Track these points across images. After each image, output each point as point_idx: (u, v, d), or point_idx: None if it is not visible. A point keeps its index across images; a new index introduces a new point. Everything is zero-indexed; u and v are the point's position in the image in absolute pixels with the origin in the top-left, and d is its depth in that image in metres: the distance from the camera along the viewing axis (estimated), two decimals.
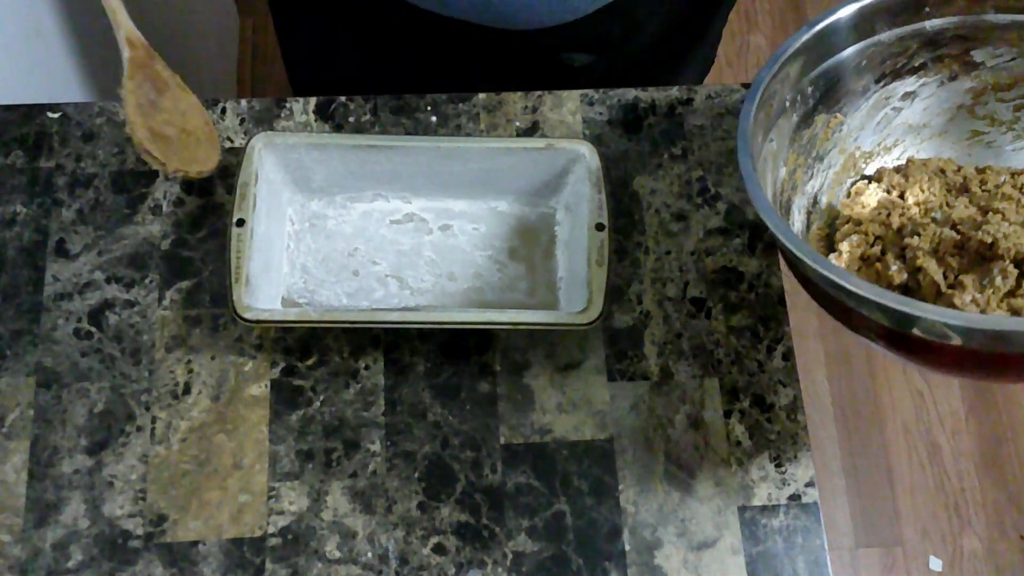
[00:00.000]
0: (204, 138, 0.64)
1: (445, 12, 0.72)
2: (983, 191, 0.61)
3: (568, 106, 0.72)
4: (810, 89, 0.59)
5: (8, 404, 0.63)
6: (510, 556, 0.61)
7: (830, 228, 0.63)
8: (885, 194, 0.62)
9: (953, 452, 1.50)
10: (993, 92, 0.63)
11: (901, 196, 0.62)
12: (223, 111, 0.71)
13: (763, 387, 0.66)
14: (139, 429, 0.63)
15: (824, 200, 0.63)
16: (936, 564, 1.44)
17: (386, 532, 0.62)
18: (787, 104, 0.59)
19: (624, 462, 0.64)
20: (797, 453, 0.64)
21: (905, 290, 0.56)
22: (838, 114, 0.62)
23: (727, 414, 0.65)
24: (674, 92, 0.74)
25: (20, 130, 0.70)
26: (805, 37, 0.57)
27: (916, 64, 0.61)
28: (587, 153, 0.65)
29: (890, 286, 0.56)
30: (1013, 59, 0.61)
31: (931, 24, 0.59)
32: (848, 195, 0.64)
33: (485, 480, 0.63)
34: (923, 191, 0.61)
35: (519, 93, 0.73)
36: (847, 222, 0.61)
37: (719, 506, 0.63)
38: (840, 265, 0.58)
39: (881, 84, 0.62)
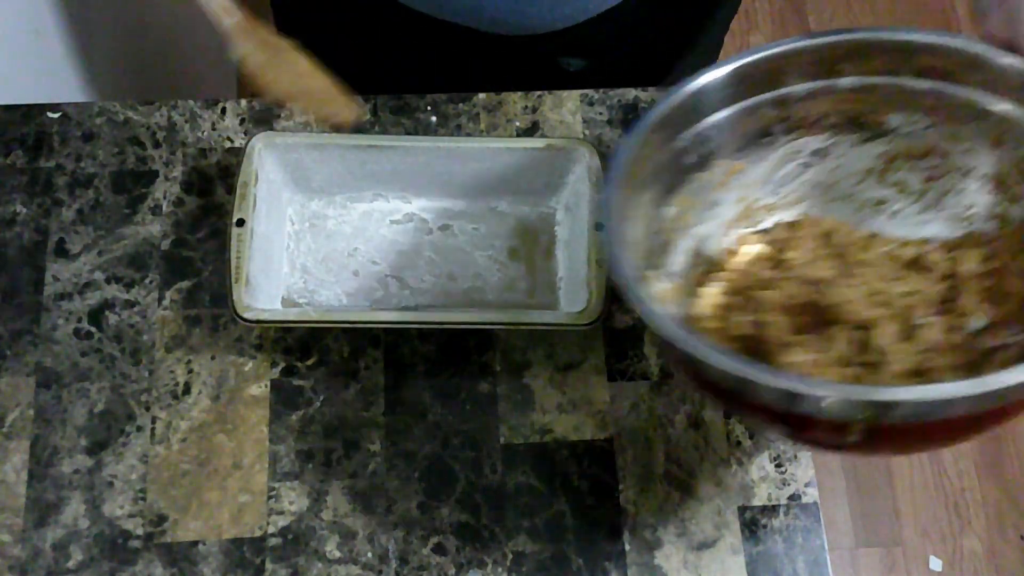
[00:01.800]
0: (333, 94, 0.62)
1: (439, 15, 0.72)
2: (859, 257, 0.58)
3: (568, 106, 0.72)
4: (712, 132, 0.57)
5: (8, 404, 0.63)
6: (510, 556, 0.61)
7: (708, 275, 0.60)
8: (766, 247, 0.60)
9: (953, 452, 1.50)
10: (905, 160, 0.60)
11: (781, 252, 0.59)
12: (223, 111, 0.71)
13: None
14: (139, 429, 0.63)
15: (711, 246, 0.60)
16: (936, 564, 1.44)
17: (386, 532, 0.62)
18: (683, 146, 0.56)
19: (624, 462, 0.64)
20: (797, 453, 0.64)
21: (751, 345, 0.54)
22: (741, 161, 0.59)
23: (727, 414, 0.65)
24: None
25: (20, 130, 0.70)
26: (719, 74, 0.55)
27: (828, 122, 0.59)
28: (587, 153, 0.65)
29: (734, 338, 0.54)
30: (928, 127, 0.58)
31: (845, 82, 0.57)
32: (733, 244, 0.61)
33: (485, 480, 0.63)
34: (802, 250, 0.58)
35: (519, 93, 0.73)
36: (720, 270, 0.59)
37: (719, 506, 0.63)
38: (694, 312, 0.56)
39: (790, 137, 0.59)
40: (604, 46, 0.78)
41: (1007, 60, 0.53)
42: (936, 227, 0.60)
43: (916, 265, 0.56)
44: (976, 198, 0.58)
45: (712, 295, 0.57)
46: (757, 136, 0.58)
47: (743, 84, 0.56)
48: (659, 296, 0.55)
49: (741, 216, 0.60)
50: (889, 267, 0.56)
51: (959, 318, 0.52)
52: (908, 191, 0.60)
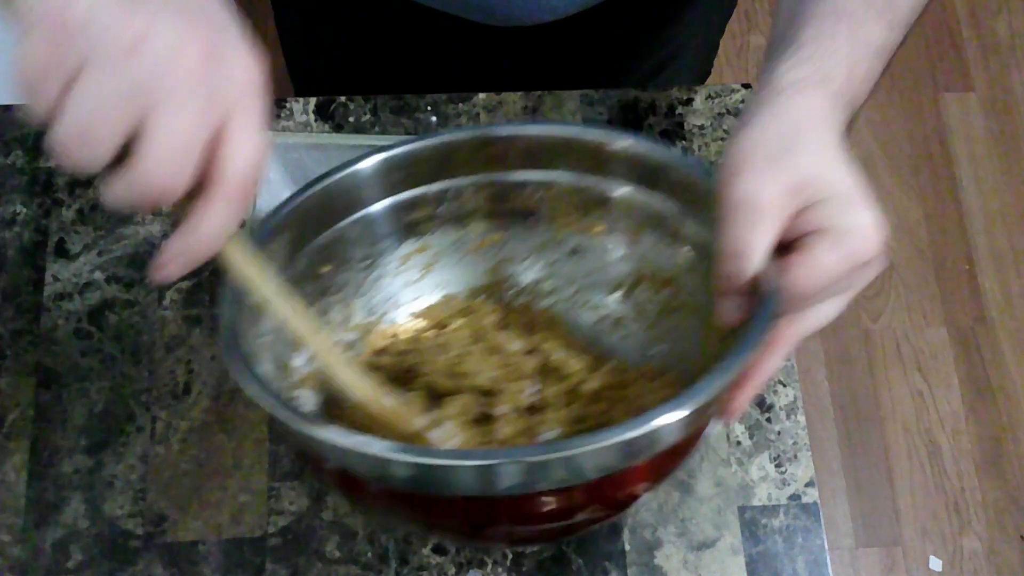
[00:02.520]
0: None
1: (427, 2, 0.72)
2: (510, 348, 0.56)
3: (568, 106, 0.72)
4: (472, 191, 0.56)
5: (8, 404, 0.63)
6: (510, 556, 0.61)
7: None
8: (457, 316, 0.58)
9: (953, 452, 1.50)
10: (649, 283, 0.57)
11: (456, 318, 0.58)
12: None
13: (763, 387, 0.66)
14: (139, 429, 0.63)
15: (416, 306, 0.59)
16: (936, 564, 1.44)
17: (386, 532, 0.62)
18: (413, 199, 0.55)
19: None
20: (797, 453, 0.64)
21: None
22: (502, 232, 0.57)
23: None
24: (674, 92, 0.74)
25: (20, 130, 0.70)
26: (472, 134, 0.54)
27: (591, 219, 0.57)
28: None
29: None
30: (672, 255, 0.55)
31: (617, 191, 0.54)
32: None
33: None
34: (456, 330, 0.57)
35: (519, 93, 0.73)
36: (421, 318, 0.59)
37: (719, 506, 0.63)
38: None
39: (553, 226, 0.57)
40: (592, 44, 0.78)
41: (622, 143, 0.53)
42: (659, 357, 0.56)
43: (554, 371, 0.54)
44: (687, 340, 0.54)
45: (383, 338, 0.57)
46: (522, 214, 0.57)
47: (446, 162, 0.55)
48: (353, 327, 0.56)
49: (491, 286, 0.59)
50: (525, 363, 0.54)
51: (538, 425, 0.51)
52: (645, 316, 0.57)
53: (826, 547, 0.63)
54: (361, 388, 0.47)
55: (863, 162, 1.68)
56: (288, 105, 0.72)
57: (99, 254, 0.67)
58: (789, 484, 0.64)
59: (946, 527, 1.46)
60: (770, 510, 0.63)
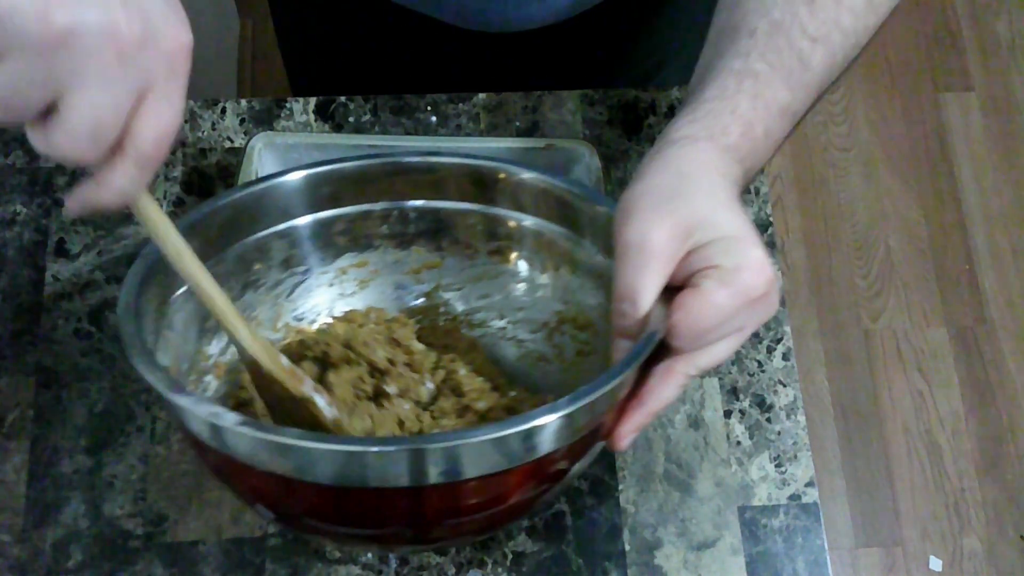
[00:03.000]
0: None
1: (409, 5, 0.72)
2: (416, 357, 0.56)
3: (568, 106, 0.72)
4: (416, 215, 0.58)
5: (8, 404, 0.63)
6: (510, 556, 0.61)
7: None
8: (345, 321, 0.59)
9: (953, 452, 1.50)
10: (570, 326, 0.58)
11: (369, 323, 0.59)
12: (223, 111, 0.71)
13: (763, 387, 0.66)
14: (139, 429, 0.63)
15: (329, 311, 0.60)
16: (936, 564, 1.44)
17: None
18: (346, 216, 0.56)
19: (624, 462, 0.64)
20: (797, 453, 0.64)
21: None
22: (441, 259, 0.59)
23: (727, 414, 0.65)
24: (674, 92, 0.74)
25: (20, 130, 0.70)
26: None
27: (523, 255, 0.58)
28: (587, 153, 0.65)
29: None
30: (594, 300, 0.56)
31: (531, 221, 0.56)
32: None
33: None
34: (366, 335, 0.57)
35: (519, 93, 0.73)
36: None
37: (719, 506, 0.63)
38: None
39: (494, 260, 0.58)
40: (583, 47, 0.78)
41: (527, 175, 0.55)
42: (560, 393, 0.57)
43: (455, 387, 0.55)
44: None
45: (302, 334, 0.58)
46: (463, 244, 0.58)
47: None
48: (279, 328, 0.57)
49: (424, 309, 0.60)
50: (427, 366, 0.55)
51: (427, 429, 0.52)
52: (563, 357, 0.58)
53: (826, 547, 0.63)
54: (256, 346, 0.47)
55: (863, 162, 1.68)
56: (288, 105, 0.72)
57: (99, 254, 0.67)
58: (789, 484, 0.64)
59: (946, 527, 1.46)
60: (770, 510, 0.63)
